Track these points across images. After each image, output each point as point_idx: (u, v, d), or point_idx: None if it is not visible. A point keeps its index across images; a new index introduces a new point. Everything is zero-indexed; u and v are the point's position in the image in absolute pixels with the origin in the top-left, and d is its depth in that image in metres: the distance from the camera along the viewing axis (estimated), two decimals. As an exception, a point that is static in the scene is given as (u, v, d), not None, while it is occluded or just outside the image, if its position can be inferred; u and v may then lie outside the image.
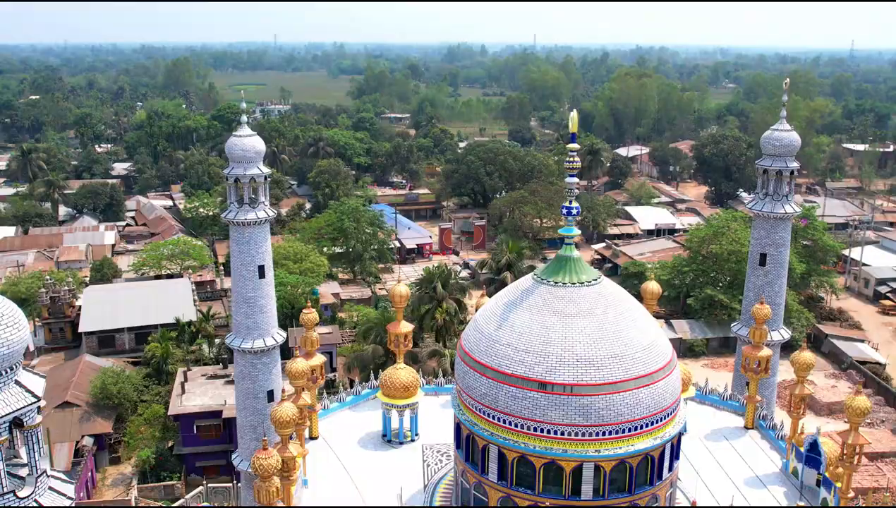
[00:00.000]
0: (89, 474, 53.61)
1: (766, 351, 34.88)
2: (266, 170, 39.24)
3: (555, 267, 27.27)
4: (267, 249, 39.80)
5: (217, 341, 66.94)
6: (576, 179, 26.96)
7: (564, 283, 26.61)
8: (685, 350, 75.91)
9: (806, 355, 31.09)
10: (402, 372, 33.87)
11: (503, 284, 58.87)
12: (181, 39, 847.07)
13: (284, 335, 41.24)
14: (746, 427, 35.91)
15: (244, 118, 39.67)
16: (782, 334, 42.14)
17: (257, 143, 39.01)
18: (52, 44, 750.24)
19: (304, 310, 33.87)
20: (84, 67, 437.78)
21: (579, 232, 27.82)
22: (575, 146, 26.69)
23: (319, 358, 34.03)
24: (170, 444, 56.50)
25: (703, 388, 38.26)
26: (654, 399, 25.57)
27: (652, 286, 36.25)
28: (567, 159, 26.86)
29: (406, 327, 35.45)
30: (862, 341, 78.31)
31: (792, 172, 40.31)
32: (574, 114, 26.92)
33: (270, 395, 40.65)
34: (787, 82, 41.20)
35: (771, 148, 40.15)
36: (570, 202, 27.01)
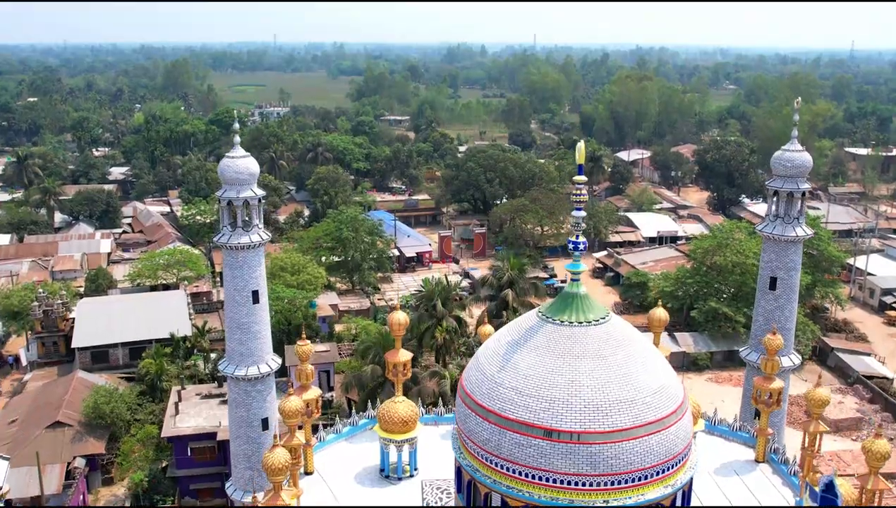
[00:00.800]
0: (81, 497, 52.34)
1: (778, 383, 33.66)
2: (260, 193, 38.06)
3: (560, 305, 25.99)
4: (261, 273, 38.59)
5: (213, 356, 65.69)
6: (583, 212, 25.66)
7: (571, 322, 25.33)
8: (689, 363, 74.72)
9: (821, 392, 29.84)
10: (400, 405, 32.61)
11: (504, 302, 57.74)
12: (181, 39, 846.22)
13: (279, 361, 40.08)
14: (757, 461, 34.68)
15: (237, 138, 38.45)
16: (793, 360, 41.00)
17: (251, 165, 37.82)
18: (52, 44, 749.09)
19: (298, 342, 32.58)
20: (83, 68, 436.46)
21: (586, 267, 26.51)
22: (582, 178, 25.43)
23: (315, 391, 32.79)
24: (163, 465, 55.23)
25: (712, 418, 36.99)
26: (666, 445, 24.31)
27: (659, 313, 35.08)
28: (574, 192, 25.58)
29: (405, 355, 34.22)
30: (868, 354, 77.03)
31: (804, 194, 39.11)
32: (581, 145, 25.68)
33: (265, 423, 39.50)
34: (798, 101, 39.99)
35: (782, 168, 38.93)
36: (577, 236, 25.75)
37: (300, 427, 30.34)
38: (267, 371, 38.66)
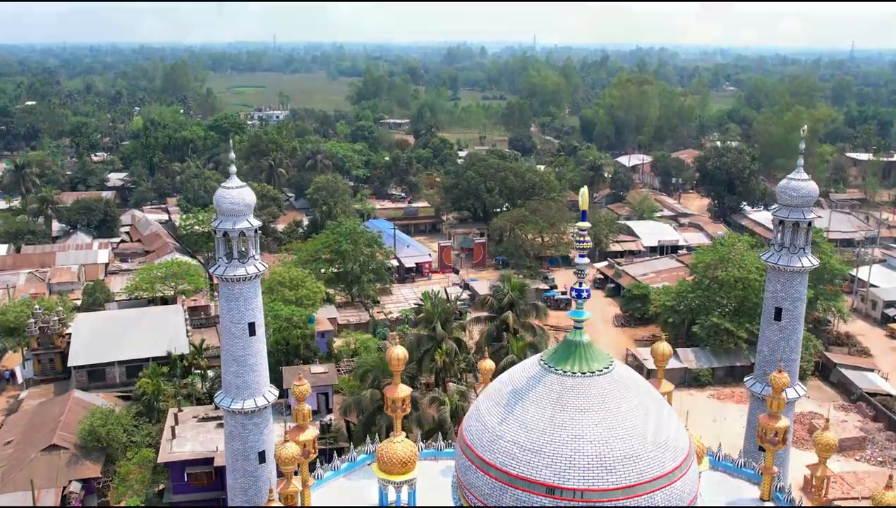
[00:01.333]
0: (76, 522, 51.72)
1: (784, 422, 32.88)
2: (256, 223, 37.47)
3: (563, 354, 25.39)
4: (257, 305, 37.97)
5: (210, 374, 65.07)
6: (586, 260, 25.07)
7: (574, 373, 24.75)
8: (691, 379, 74.12)
9: (828, 436, 29.25)
10: (399, 446, 31.81)
11: (504, 324, 57.14)
12: (180, 40, 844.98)
13: (276, 393, 39.42)
14: (762, 500, 34.04)
15: (233, 168, 37.79)
16: (797, 391, 40.35)
17: (247, 195, 37.18)
18: (52, 44, 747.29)
19: (294, 382, 31.94)
20: (82, 69, 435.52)
21: (590, 314, 25.89)
22: (586, 224, 24.83)
23: (312, 432, 32.09)
24: (160, 488, 54.61)
25: (716, 454, 36.38)
26: (671, 501, 23.74)
27: (663, 348, 34.48)
28: (577, 239, 24.98)
29: (404, 391, 33.53)
30: (871, 370, 76.37)
31: (809, 223, 38.44)
32: (584, 191, 25.08)
33: (262, 456, 38.89)
34: (804, 130, 39.22)
35: (787, 198, 38.25)
36: (581, 284, 25.13)
37: (296, 473, 29.69)
38: (264, 404, 38.03)
